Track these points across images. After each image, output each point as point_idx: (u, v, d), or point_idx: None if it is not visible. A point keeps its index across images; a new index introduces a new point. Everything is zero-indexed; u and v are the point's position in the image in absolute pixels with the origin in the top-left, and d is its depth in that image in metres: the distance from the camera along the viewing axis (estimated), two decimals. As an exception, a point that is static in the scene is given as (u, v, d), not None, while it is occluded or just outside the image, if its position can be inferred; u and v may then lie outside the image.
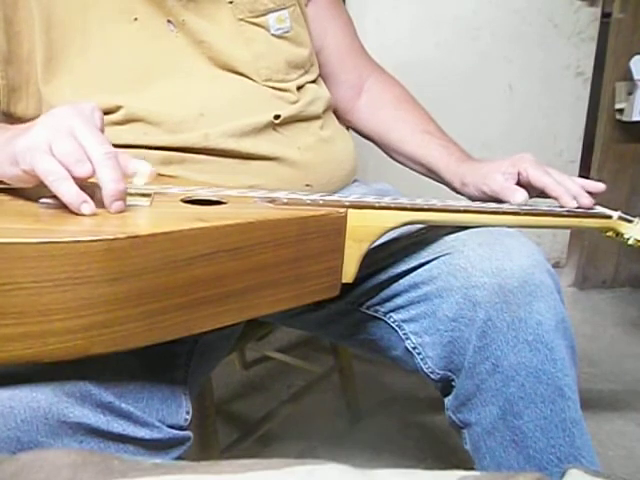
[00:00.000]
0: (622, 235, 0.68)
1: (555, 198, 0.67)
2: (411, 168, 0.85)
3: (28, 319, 0.42)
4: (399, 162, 0.87)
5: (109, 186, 0.47)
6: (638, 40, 1.59)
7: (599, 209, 0.68)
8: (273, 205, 0.56)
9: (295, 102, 0.74)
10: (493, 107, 1.78)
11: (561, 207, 0.67)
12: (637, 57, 1.57)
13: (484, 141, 1.76)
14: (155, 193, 0.54)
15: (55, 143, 0.47)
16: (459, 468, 0.33)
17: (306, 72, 0.78)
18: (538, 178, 0.68)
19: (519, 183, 0.69)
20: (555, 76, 1.76)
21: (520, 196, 0.67)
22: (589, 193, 0.68)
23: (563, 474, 0.33)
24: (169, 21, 0.68)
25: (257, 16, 0.72)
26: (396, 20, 1.68)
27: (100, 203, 0.48)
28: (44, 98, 0.67)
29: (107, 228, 0.45)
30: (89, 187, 0.48)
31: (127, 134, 0.65)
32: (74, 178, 0.47)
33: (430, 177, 0.82)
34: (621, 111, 1.62)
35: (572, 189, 0.67)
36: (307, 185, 0.72)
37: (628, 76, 1.58)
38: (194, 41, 0.69)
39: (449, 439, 1.15)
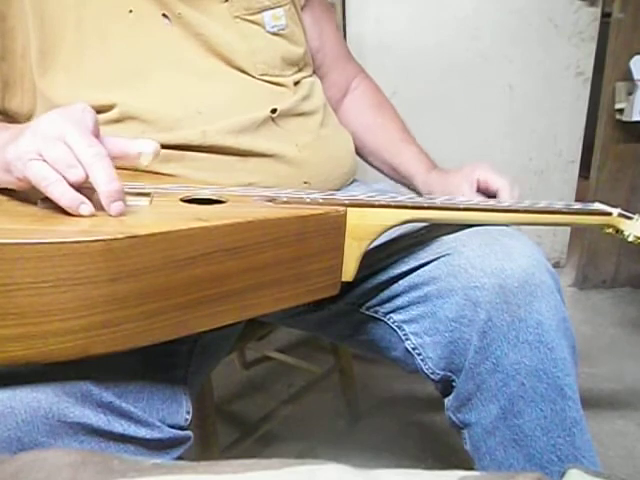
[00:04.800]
0: (622, 232, 0.68)
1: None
2: (383, 173, 0.89)
3: (28, 320, 0.42)
4: (373, 166, 0.91)
5: (103, 188, 0.47)
6: (638, 40, 1.59)
7: (599, 206, 0.69)
8: (273, 204, 0.56)
9: (292, 96, 0.74)
10: (493, 107, 1.78)
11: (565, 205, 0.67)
12: (637, 57, 1.57)
13: (484, 141, 1.76)
14: (154, 192, 0.54)
15: (45, 150, 0.46)
16: (459, 468, 0.33)
17: (300, 70, 0.78)
18: (495, 180, 0.71)
19: (477, 189, 0.73)
20: (555, 76, 1.76)
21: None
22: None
23: (563, 474, 0.33)
24: (164, 15, 0.67)
25: (253, 13, 0.72)
26: (396, 20, 1.68)
27: (100, 205, 0.48)
28: (40, 91, 0.66)
29: (106, 228, 0.45)
30: (88, 189, 0.48)
31: (125, 132, 0.64)
32: (70, 184, 0.46)
33: (400, 182, 0.87)
34: (621, 111, 1.62)
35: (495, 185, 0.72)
36: (305, 182, 0.72)
37: (628, 76, 1.58)
38: (190, 34, 0.68)
39: (449, 439, 1.15)
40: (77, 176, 0.46)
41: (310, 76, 0.81)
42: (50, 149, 0.46)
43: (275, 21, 0.74)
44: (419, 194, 0.81)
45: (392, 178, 0.88)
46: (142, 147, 0.52)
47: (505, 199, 0.69)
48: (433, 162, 0.83)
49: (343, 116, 0.90)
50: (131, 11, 0.66)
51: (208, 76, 0.69)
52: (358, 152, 0.89)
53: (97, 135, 0.51)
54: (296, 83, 0.76)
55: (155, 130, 0.65)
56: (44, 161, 0.46)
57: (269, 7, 0.74)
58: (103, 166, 0.47)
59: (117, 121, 0.65)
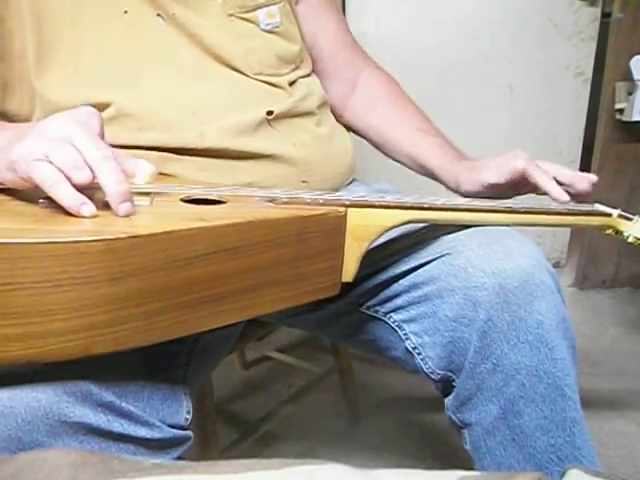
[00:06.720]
0: (622, 233, 0.68)
1: (546, 192, 0.67)
2: (406, 166, 0.85)
3: (29, 319, 0.42)
4: (394, 159, 0.86)
5: (111, 189, 0.47)
6: (638, 40, 1.59)
7: (599, 207, 0.69)
8: (273, 204, 0.56)
9: (288, 98, 0.74)
10: (493, 107, 1.78)
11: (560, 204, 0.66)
12: (637, 57, 1.57)
13: (484, 141, 1.76)
14: (155, 192, 0.54)
15: (52, 152, 0.46)
16: (459, 468, 0.33)
17: (297, 68, 0.78)
18: (530, 174, 0.67)
19: (513, 180, 0.69)
20: (555, 76, 1.76)
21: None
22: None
23: (563, 474, 0.33)
24: (159, 15, 0.67)
25: (247, 11, 0.72)
26: (396, 20, 1.68)
27: (102, 204, 0.48)
28: (37, 92, 0.66)
29: (107, 228, 0.45)
30: (91, 189, 0.48)
31: (121, 132, 0.65)
32: (75, 186, 0.47)
33: (426, 175, 0.82)
34: (621, 111, 1.62)
35: (565, 177, 0.67)
36: (303, 181, 0.72)
37: (628, 76, 1.58)
38: (185, 34, 0.68)
39: (449, 439, 1.15)
40: (84, 178, 0.46)
41: (308, 75, 0.81)
42: (57, 151, 0.46)
43: (269, 19, 0.74)
44: (447, 187, 0.77)
45: (418, 172, 0.83)
46: (139, 167, 0.52)
47: (546, 189, 0.66)
48: (461, 153, 0.78)
49: (356, 113, 0.87)
50: (126, 12, 0.66)
51: (203, 76, 0.69)
52: (379, 148, 0.87)
53: (102, 138, 0.51)
54: (292, 84, 0.76)
55: (151, 131, 0.65)
56: (50, 162, 0.46)
57: (263, 4, 0.74)
58: (111, 168, 0.47)
59: (112, 120, 0.65)
